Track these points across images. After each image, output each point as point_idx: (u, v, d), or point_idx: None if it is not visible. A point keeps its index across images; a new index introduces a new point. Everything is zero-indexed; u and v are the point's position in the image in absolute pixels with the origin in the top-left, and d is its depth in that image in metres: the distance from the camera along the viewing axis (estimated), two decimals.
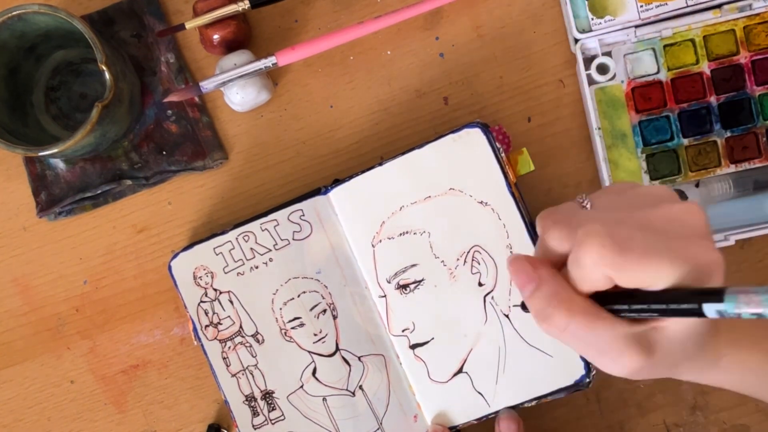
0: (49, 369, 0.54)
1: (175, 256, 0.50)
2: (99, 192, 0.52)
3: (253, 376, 0.49)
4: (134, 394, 0.54)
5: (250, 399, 0.49)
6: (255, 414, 0.49)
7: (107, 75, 0.47)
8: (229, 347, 0.50)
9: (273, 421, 0.49)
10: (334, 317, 0.49)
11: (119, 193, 0.53)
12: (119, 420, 0.54)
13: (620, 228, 0.33)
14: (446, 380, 0.48)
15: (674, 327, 0.34)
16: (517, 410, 0.48)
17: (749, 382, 0.39)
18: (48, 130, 0.52)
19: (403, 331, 0.48)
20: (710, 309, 0.29)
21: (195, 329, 0.50)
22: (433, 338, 0.48)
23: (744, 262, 0.51)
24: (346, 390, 0.49)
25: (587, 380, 0.47)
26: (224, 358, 0.50)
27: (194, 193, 0.53)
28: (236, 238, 0.50)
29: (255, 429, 0.49)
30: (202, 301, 0.50)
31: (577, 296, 0.34)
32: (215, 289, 0.50)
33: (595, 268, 0.33)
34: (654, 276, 0.32)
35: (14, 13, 0.47)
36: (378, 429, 0.49)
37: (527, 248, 0.48)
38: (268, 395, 0.49)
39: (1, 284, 0.54)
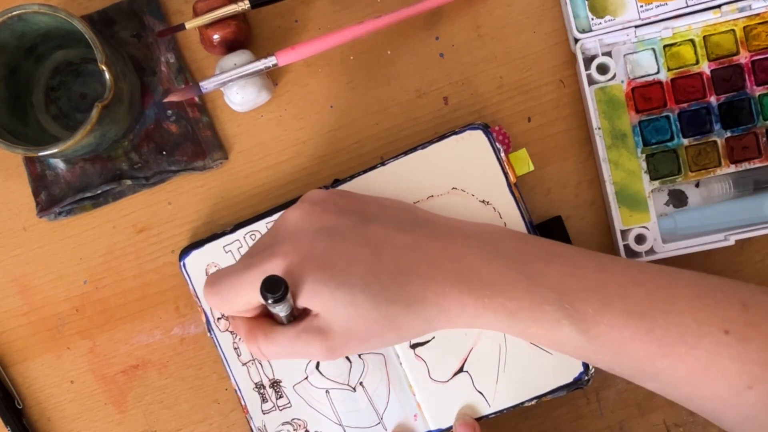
0: (49, 369, 0.54)
1: (187, 254, 0.50)
2: (99, 192, 0.52)
3: (262, 366, 0.51)
4: (134, 394, 0.54)
5: (259, 386, 0.51)
6: (264, 400, 0.51)
7: (107, 75, 0.47)
8: (240, 338, 0.51)
9: (280, 408, 0.50)
10: None
11: (119, 193, 0.53)
12: (119, 420, 0.54)
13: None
14: (447, 380, 0.48)
15: (328, 309, 0.39)
16: (517, 410, 0.49)
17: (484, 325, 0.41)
18: (48, 130, 0.52)
19: None
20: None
21: (208, 321, 0.51)
22: (433, 337, 0.48)
23: (744, 262, 0.51)
24: (347, 385, 0.50)
25: (586, 378, 0.47)
26: (235, 348, 0.51)
27: (194, 193, 0.53)
28: (244, 237, 0.50)
29: (264, 414, 0.51)
30: None
31: (255, 324, 0.42)
32: None
33: (212, 307, 0.45)
34: (237, 301, 0.42)
35: (14, 13, 0.47)
36: (379, 423, 0.49)
37: None
38: (275, 384, 0.51)
39: (1, 284, 0.54)
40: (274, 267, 0.40)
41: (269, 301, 0.36)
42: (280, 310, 0.39)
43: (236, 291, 0.41)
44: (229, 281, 0.41)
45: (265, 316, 0.43)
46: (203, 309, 0.51)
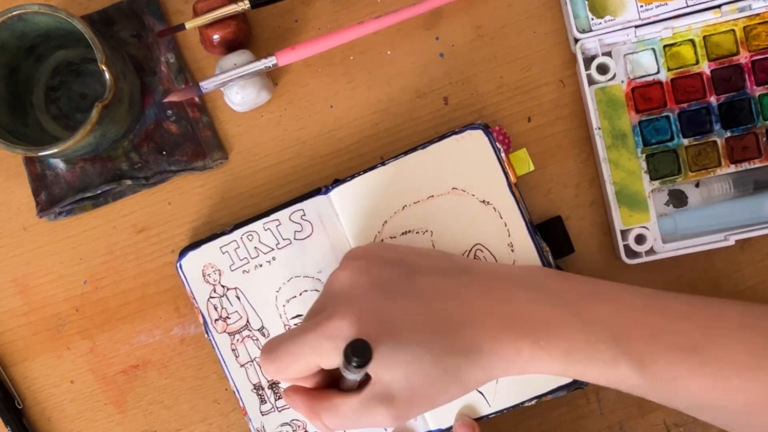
0: (49, 369, 0.54)
1: (184, 255, 0.50)
2: (99, 192, 0.52)
3: (260, 367, 0.50)
4: (134, 394, 0.54)
5: (257, 388, 0.51)
6: (263, 401, 0.51)
7: (107, 75, 0.47)
8: (238, 340, 0.51)
9: (279, 409, 0.50)
10: None
11: (119, 193, 0.53)
12: (119, 420, 0.54)
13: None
14: None
15: (389, 371, 0.38)
16: (517, 410, 0.49)
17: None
18: (48, 130, 0.52)
19: None
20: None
21: (205, 323, 0.51)
22: None
23: (744, 262, 0.51)
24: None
25: None
26: (233, 350, 0.51)
27: (194, 193, 0.53)
28: (240, 238, 0.50)
29: (263, 415, 0.50)
30: (211, 297, 0.51)
31: (316, 397, 0.40)
32: (223, 286, 0.50)
33: (270, 376, 0.43)
34: (295, 367, 0.40)
35: (14, 13, 0.47)
36: None
37: (527, 246, 0.48)
38: (274, 385, 0.51)
39: (1, 284, 0.54)
40: (334, 328, 0.38)
41: (353, 365, 0.34)
42: (355, 376, 0.37)
43: (295, 356, 0.39)
44: (286, 347, 0.40)
45: (321, 387, 0.41)
46: (200, 310, 0.51)
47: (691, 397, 0.39)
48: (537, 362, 0.39)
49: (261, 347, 0.42)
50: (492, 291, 0.41)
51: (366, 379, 0.39)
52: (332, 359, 0.38)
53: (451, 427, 0.48)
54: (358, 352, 0.33)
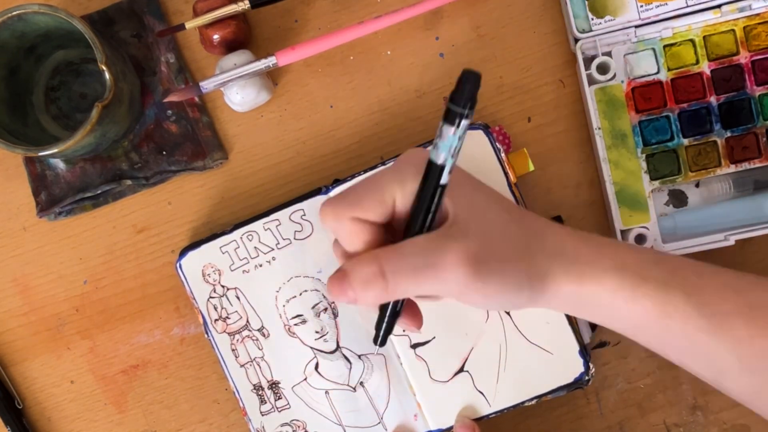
0: (49, 369, 0.54)
1: (184, 255, 0.50)
2: (99, 192, 0.52)
3: (260, 367, 0.50)
4: (134, 394, 0.54)
5: (257, 388, 0.51)
6: (262, 402, 0.51)
7: (107, 75, 0.47)
8: (238, 340, 0.51)
9: (279, 409, 0.50)
10: (335, 316, 0.50)
11: (119, 193, 0.53)
12: (119, 420, 0.54)
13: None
14: (447, 379, 0.48)
15: (457, 211, 0.35)
16: (518, 410, 0.49)
17: (602, 315, 0.39)
18: (48, 130, 0.52)
19: (404, 330, 0.49)
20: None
21: (205, 323, 0.51)
22: (434, 337, 0.48)
23: (744, 262, 0.51)
24: (347, 385, 0.50)
25: (586, 378, 0.47)
26: (233, 350, 0.51)
27: (194, 193, 0.53)
28: (240, 237, 0.50)
29: (263, 415, 0.51)
30: (211, 297, 0.51)
31: (376, 249, 0.35)
32: (223, 286, 0.50)
33: (337, 217, 0.36)
34: (369, 202, 0.35)
35: (14, 13, 0.47)
36: (379, 423, 0.49)
37: None
38: (274, 385, 0.50)
39: (1, 284, 0.54)
40: (413, 155, 0.36)
41: (465, 92, 0.30)
42: (456, 137, 0.33)
43: (371, 186, 0.36)
44: (360, 183, 0.36)
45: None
46: (200, 310, 0.51)
47: (735, 341, 0.38)
48: (594, 281, 0.37)
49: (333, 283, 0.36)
50: (550, 224, 0.40)
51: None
52: (412, 186, 0.35)
53: (451, 428, 0.48)
54: (472, 78, 0.30)
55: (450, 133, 0.32)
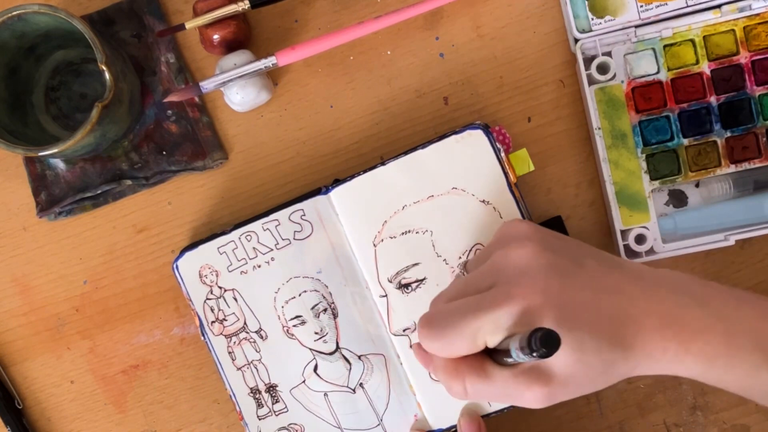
0: (49, 369, 0.54)
1: (180, 256, 0.50)
2: (99, 192, 0.52)
3: (257, 370, 0.50)
4: (134, 394, 0.54)
5: (254, 391, 0.50)
6: (260, 405, 0.50)
7: (107, 75, 0.47)
8: (235, 342, 0.50)
9: (277, 413, 0.50)
10: (335, 316, 0.50)
11: (119, 193, 0.53)
12: (119, 420, 0.54)
13: (436, 305, 0.41)
14: None
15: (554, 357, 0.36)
16: (518, 409, 0.49)
17: (711, 373, 0.39)
18: (48, 130, 0.52)
19: (404, 330, 0.49)
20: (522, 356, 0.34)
21: (201, 325, 0.50)
22: None
23: (744, 262, 0.51)
24: (347, 387, 0.49)
25: None
26: (230, 353, 0.50)
27: (194, 193, 0.53)
28: (239, 238, 0.50)
29: (260, 419, 0.50)
30: (207, 299, 0.50)
31: (462, 361, 0.39)
32: (220, 287, 0.50)
33: (432, 352, 0.40)
34: (461, 344, 0.38)
35: (14, 13, 0.47)
36: (378, 425, 0.49)
37: None
38: (271, 388, 0.50)
39: (1, 284, 0.54)
40: (513, 309, 0.37)
41: (536, 354, 0.32)
42: (527, 359, 0.35)
43: (464, 334, 0.38)
44: (454, 324, 0.38)
45: (473, 355, 0.40)
46: (197, 313, 0.50)
47: None
48: (679, 364, 0.39)
49: (418, 322, 0.40)
50: (645, 290, 0.40)
51: None
52: (499, 338, 0.37)
53: (451, 427, 0.48)
54: (548, 342, 0.31)
55: (524, 357, 0.35)
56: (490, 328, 0.37)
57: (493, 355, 0.39)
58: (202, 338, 0.51)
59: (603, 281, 0.40)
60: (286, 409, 0.50)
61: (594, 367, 0.37)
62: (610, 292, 0.39)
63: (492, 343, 0.38)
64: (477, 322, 0.37)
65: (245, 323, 0.50)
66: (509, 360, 0.37)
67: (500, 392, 0.39)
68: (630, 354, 0.38)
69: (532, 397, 0.38)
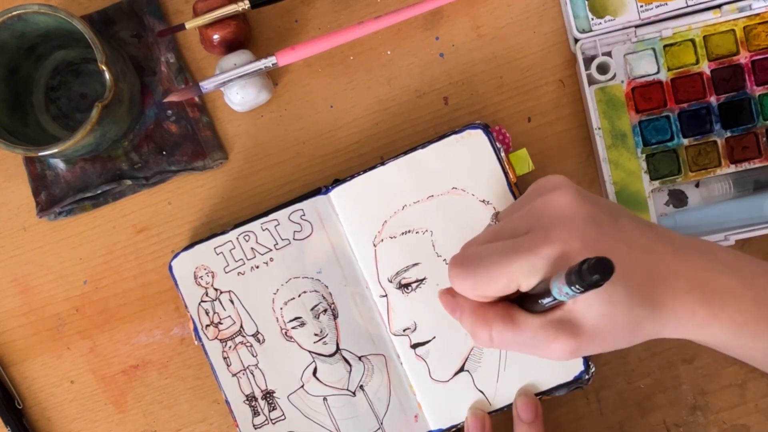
0: (49, 369, 0.54)
1: (175, 256, 0.50)
2: (99, 192, 0.52)
3: (253, 376, 0.49)
4: (134, 394, 0.54)
5: (250, 398, 0.49)
6: (255, 414, 0.49)
7: (107, 75, 0.47)
8: (230, 347, 0.49)
9: (273, 421, 0.49)
10: (335, 317, 0.49)
11: (119, 193, 0.53)
12: (119, 420, 0.54)
13: (468, 248, 0.40)
14: (447, 379, 0.48)
15: (585, 304, 0.36)
16: None
17: (736, 342, 0.39)
18: (48, 130, 0.52)
19: (404, 330, 0.49)
20: (560, 291, 0.33)
21: (196, 329, 0.50)
22: (434, 337, 0.48)
23: None
24: (347, 390, 0.49)
25: (586, 377, 0.47)
26: (225, 358, 0.50)
27: (194, 193, 0.53)
28: (237, 238, 0.50)
29: (256, 428, 0.49)
30: (202, 301, 0.50)
31: (490, 308, 0.39)
32: (216, 289, 0.50)
33: (462, 291, 0.39)
34: (495, 285, 0.37)
35: (14, 13, 0.47)
36: (379, 429, 0.49)
37: None
38: (268, 395, 0.49)
39: (1, 284, 0.54)
40: (551, 252, 0.36)
41: (587, 282, 0.31)
42: (567, 297, 0.34)
43: (499, 275, 0.37)
44: (491, 263, 0.37)
45: (500, 302, 0.40)
46: (191, 316, 0.50)
47: None
48: (705, 329, 0.38)
49: (450, 262, 0.39)
50: (677, 253, 0.40)
51: (552, 306, 0.38)
52: (534, 281, 0.37)
53: (451, 427, 0.48)
54: (601, 269, 0.30)
55: (567, 294, 0.33)
56: (526, 270, 0.36)
57: (523, 303, 0.39)
58: (196, 342, 0.50)
59: (637, 239, 0.39)
60: (283, 417, 0.49)
61: (622, 322, 0.37)
62: (643, 251, 0.39)
63: (526, 286, 0.37)
64: (514, 263, 0.37)
65: (242, 326, 0.50)
66: (544, 302, 0.36)
67: (526, 341, 0.38)
68: (659, 313, 0.38)
69: (558, 348, 0.37)
